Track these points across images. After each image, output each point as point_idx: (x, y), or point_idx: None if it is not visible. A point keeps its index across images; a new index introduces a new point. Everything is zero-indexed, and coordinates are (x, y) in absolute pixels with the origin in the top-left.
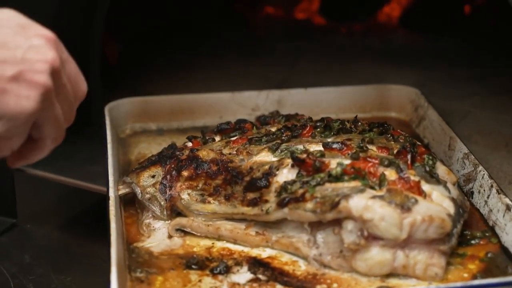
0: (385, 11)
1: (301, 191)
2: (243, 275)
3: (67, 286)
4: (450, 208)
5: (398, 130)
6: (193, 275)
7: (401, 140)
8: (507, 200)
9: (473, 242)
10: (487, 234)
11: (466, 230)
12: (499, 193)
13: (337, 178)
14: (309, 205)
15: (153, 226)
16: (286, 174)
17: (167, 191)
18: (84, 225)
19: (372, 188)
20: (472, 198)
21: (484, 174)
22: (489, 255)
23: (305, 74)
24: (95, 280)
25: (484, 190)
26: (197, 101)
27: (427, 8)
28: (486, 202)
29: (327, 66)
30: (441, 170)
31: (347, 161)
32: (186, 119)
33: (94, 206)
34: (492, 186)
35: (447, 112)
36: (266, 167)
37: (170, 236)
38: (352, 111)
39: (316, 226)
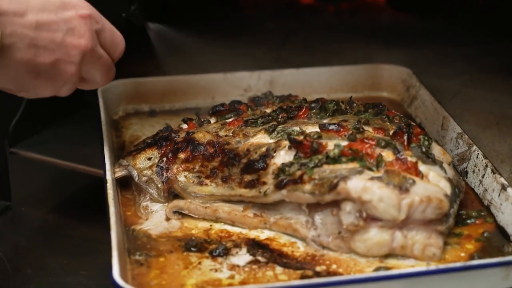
0: None
1: (299, 172)
2: (242, 257)
3: (64, 268)
4: (447, 188)
5: (393, 111)
6: (193, 258)
7: (396, 121)
8: (502, 180)
9: (469, 221)
10: (482, 214)
11: (461, 210)
12: (494, 173)
13: (335, 160)
14: (308, 186)
15: (151, 209)
16: (283, 156)
17: (164, 173)
18: (78, 208)
19: (370, 169)
20: (466, 177)
21: (478, 153)
22: (485, 234)
23: (294, 53)
24: (91, 262)
25: (478, 170)
26: (190, 82)
27: None
28: (481, 181)
29: (316, 45)
30: (436, 150)
31: (344, 143)
32: (179, 100)
33: (87, 188)
34: (487, 166)
35: (437, 91)
36: (263, 149)
37: (167, 219)
38: (344, 91)
39: (314, 207)
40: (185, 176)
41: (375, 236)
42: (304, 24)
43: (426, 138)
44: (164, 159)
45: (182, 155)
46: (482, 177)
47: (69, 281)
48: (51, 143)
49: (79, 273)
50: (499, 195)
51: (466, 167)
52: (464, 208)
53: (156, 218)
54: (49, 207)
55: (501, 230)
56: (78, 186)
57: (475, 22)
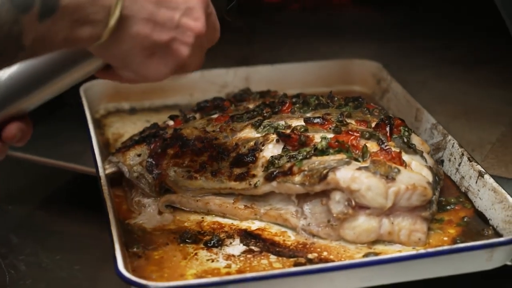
0: None
1: (288, 165)
2: (236, 247)
3: (57, 263)
4: (429, 176)
5: (371, 104)
6: (189, 249)
7: (376, 113)
8: (479, 167)
9: (448, 208)
10: (461, 200)
11: (440, 197)
12: (470, 161)
13: (323, 152)
14: (297, 178)
15: (143, 203)
16: (271, 149)
17: (154, 169)
18: (63, 204)
19: (356, 160)
20: (442, 166)
21: (454, 143)
22: (465, 219)
23: (263, 50)
24: (82, 257)
25: (454, 158)
26: (168, 80)
27: None
28: (457, 169)
29: (283, 41)
30: (415, 140)
31: (330, 135)
32: (158, 97)
33: (70, 185)
34: (463, 154)
35: (404, 84)
36: (251, 143)
37: (160, 212)
38: (317, 86)
39: (303, 197)
40: (175, 171)
41: (363, 223)
42: (269, 22)
43: (406, 129)
44: (154, 155)
45: (171, 151)
46: (459, 165)
47: (63, 275)
48: (34, 141)
49: (72, 268)
50: (476, 182)
51: (442, 156)
52: (443, 195)
53: (149, 212)
54: (35, 204)
55: (479, 215)
56: (61, 183)
57: (433, 17)
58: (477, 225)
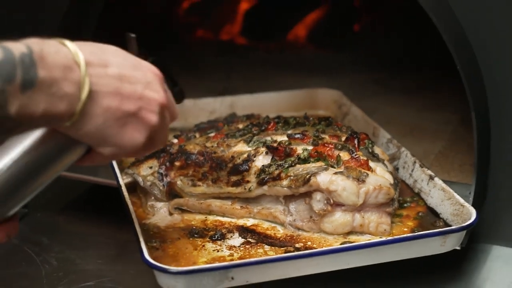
0: (294, 32)
1: (277, 172)
2: (236, 239)
3: (83, 259)
4: (390, 179)
5: (339, 122)
6: (198, 242)
7: (344, 130)
8: (429, 172)
9: (405, 205)
10: (415, 199)
11: (398, 196)
12: (422, 167)
13: (305, 160)
14: (285, 182)
15: (156, 207)
16: (262, 160)
17: (164, 178)
18: (83, 210)
19: (332, 166)
20: (398, 172)
21: (407, 153)
22: (420, 214)
23: (239, 84)
24: (103, 253)
25: (408, 166)
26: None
27: (327, 28)
28: (410, 174)
29: (255, 76)
30: (377, 151)
31: (310, 147)
32: None
33: (87, 193)
34: (415, 162)
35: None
36: (245, 155)
37: (170, 214)
38: (289, 111)
39: (289, 198)
40: (181, 180)
41: (339, 218)
42: (242, 60)
43: (370, 141)
44: (163, 167)
45: (177, 163)
46: (412, 171)
47: (89, 268)
48: None
49: (96, 262)
50: (427, 184)
51: (397, 165)
52: (400, 196)
53: (161, 214)
54: (60, 211)
55: (431, 210)
56: (80, 193)
57: (377, 54)
58: (430, 218)
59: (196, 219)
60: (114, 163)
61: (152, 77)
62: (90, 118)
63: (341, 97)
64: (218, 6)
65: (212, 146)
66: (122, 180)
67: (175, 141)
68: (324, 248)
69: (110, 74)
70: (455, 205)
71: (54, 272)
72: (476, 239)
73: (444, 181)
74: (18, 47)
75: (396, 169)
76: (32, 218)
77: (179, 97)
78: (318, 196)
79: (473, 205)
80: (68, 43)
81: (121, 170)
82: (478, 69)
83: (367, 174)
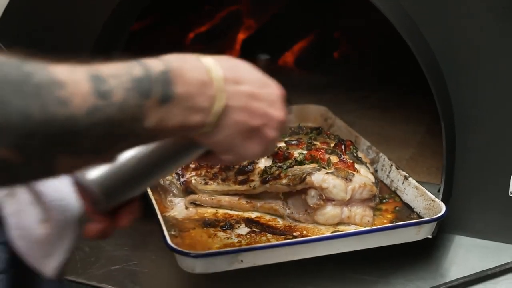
0: (283, 58)
1: (277, 172)
2: (243, 229)
3: (112, 246)
4: (372, 178)
5: (328, 132)
6: (210, 231)
7: (332, 138)
8: (404, 173)
9: (384, 201)
10: (392, 196)
11: (379, 194)
12: (397, 169)
13: (301, 163)
14: (284, 181)
15: (174, 202)
16: (264, 162)
17: (180, 178)
18: None
19: (324, 168)
20: (377, 173)
21: (384, 158)
22: (396, 208)
23: None
24: (130, 242)
25: (385, 168)
26: None
27: (312, 54)
28: (388, 175)
29: None
30: (361, 155)
31: (305, 152)
32: None
33: None
34: (392, 165)
35: None
36: None
37: (186, 208)
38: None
39: (287, 194)
40: (195, 179)
41: (330, 211)
42: None
43: (354, 147)
44: (180, 168)
45: (192, 165)
46: (389, 172)
47: (116, 254)
48: None
49: (123, 249)
50: (402, 183)
51: (376, 167)
52: (379, 193)
53: (178, 208)
54: None
55: (406, 205)
56: None
57: (355, 77)
58: (405, 212)
59: (208, 212)
60: None
61: (276, 95)
62: (221, 130)
63: (327, 111)
64: (220, 36)
65: None
66: None
67: None
68: (318, 236)
69: (242, 90)
70: (427, 201)
71: (87, 258)
72: (443, 229)
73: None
74: (156, 65)
75: (376, 171)
76: None
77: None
78: (312, 192)
79: (442, 200)
80: (204, 59)
81: None
82: (445, 85)
83: (354, 174)
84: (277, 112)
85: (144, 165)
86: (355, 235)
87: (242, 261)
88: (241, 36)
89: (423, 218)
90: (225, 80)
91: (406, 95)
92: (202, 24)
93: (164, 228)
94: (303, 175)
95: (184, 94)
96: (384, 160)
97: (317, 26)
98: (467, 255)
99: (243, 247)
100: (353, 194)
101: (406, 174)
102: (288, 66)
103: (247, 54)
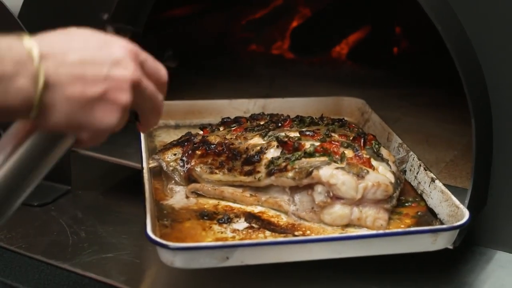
0: (337, 49)
1: (284, 164)
2: (241, 224)
3: (110, 233)
4: (391, 178)
5: (353, 125)
6: (206, 223)
7: (355, 131)
8: (431, 174)
9: (406, 204)
10: (416, 199)
11: (401, 196)
12: (425, 170)
13: (310, 155)
14: (290, 174)
15: (175, 190)
16: (272, 153)
17: (185, 165)
18: (121, 192)
19: (336, 162)
20: (405, 174)
21: (414, 157)
22: (419, 213)
23: (280, 91)
24: (130, 229)
25: (414, 169)
26: (204, 105)
27: (367, 48)
28: (415, 177)
29: (295, 86)
30: (384, 152)
31: (317, 143)
32: (196, 118)
33: (127, 178)
34: (420, 165)
35: (383, 118)
36: (258, 147)
37: (187, 197)
38: (316, 115)
39: (294, 189)
40: (201, 167)
41: (338, 210)
42: (286, 72)
43: (376, 142)
44: (186, 154)
45: (198, 152)
46: (417, 173)
47: (113, 241)
48: (102, 145)
49: (121, 237)
50: (429, 186)
51: (405, 167)
52: (403, 195)
53: (178, 196)
54: (100, 190)
55: (430, 211)
56: (121, 176)
57: (407, 73)
58: (428, 218)
59: (209, 203)
60: (143, 149)
61: (122, 53)
62: (54, 109)
63: (364, 105)
64: (272, 24)
65: (231, 138)
66: (148, 164)
67: (201, 132)
68: (315, 236)
69: (70, 61)
70: (451, 207)
71: (80, 243)
72: (474, 241)
73: (450, 186)
74: None
75: (404, 171)
76: (73, 195)
77: (170, 61)
78: (319, 188)
79: (468, 207)
80: (25, 37)
81: None
82: (482, 76)
83: (368, 171)
84: (124, 71)
85: (10, 181)
86: (358, 239)
87: (228, 258)
88: (294, 24)
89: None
90: (47, 55)
91: (458, 94)
92: (254, 13)
93: (148, 215)
94: (310, 169)
95: None
96: (413, 159)
97: (374, 19)
98: (500, 272)
99: (227, 242)
100: (365, 193)
101: (434, 176)
102: (340, 58)
103: (298, 43)
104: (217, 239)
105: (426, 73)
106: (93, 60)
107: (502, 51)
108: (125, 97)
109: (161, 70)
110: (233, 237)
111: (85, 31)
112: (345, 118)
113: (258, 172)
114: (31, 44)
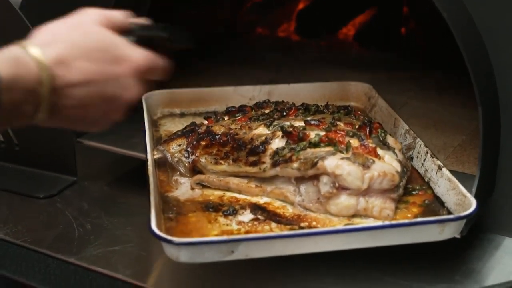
0: (343, 31)
1: (289, 154)
2: (246, 215)
3: (115, 225)
4: (398, 167)
5: (358, 112)
6: (211, 215)
7: (361, 119)
8: (438, 162)
9: (413, 192)
10: (424, 187)
11: (408, 184)
12: (432, 157)
13: (315, 145)
14: (295, 164)
15: (180, 181)
16: (277, 143)
17: (190, 155)
18: (127, 183)
19: (341, 152)
20: (412, 161)
21: (421, 144)
22: (426, 202)
23: (286, 76)
24: (135, 221)
25: (421, 156)
26: (210, 93)
27: (374, 29)
28: (422, 164)
29: (301, 70)
30: (390, 140)
31: (322, 133)
32: (201, 106)
33: (134, 168)
34: (427, 152)
35: (390, 103)
36: (263, 137)
37: (192, 188)
38: (322, 101)
39: (299, 180)
40: (205, 158)
41: (344, 200)
42: (292, 56)
43: (383, 130)
44: (190, 145)
45: (203, 142)
46: (424, 161)
47: (117, 233)
48: (107, 135)
49: (126, 228)
50: (436, 173)
51: (412, 154)
52: (410, 183)
53: (183, 188)
54: (105, 182)
55: (437, 199)
56: (127, 166)
57: (415, 55)
58: (435, 206)
59: (214, 194)
60: (148, 140)
61: (128, 74)
62: (55, 122)
63: (370, 90)
64: (278, 6)
65: (236, 128)
66: (153, 156)
67: (205, 122)
68: (321, 229)
69: (76, 81)
70: (458, 195)
71: (86, 235)
72: (482, 229)
73: (456, 172)
74: None
75: (411, 158)
76: (79, 186)
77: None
78: (325, 179)
79: (476, 196)
80: (37, 58)
81: None
82: (489, 63)
83: (373, 161)
84: (126, 95)
85: None
86: (364, 230)
87: (233, 252)
88: (300, 6)
89: (452, 214)
90: (54, 86)
91: (466, 76)
92: None
93: (153, 209)
94: (315, 160)
95: (9, 102)
96: (420, 146)
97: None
98: (509, 259)
99: (232, 237)
100: (371, 183)
101: (441, 164)
102: (347, 40)
103: (304, 26)
104: (223, 232)
105: (434, 54)
106: (97, 81)
107: (510, 38)
108: (119, 115)
109: (156, 68)
110: (239, 230)
111: (94, 30)
112: (352, 103)
113: (263, 162)
114: (41, 75)
